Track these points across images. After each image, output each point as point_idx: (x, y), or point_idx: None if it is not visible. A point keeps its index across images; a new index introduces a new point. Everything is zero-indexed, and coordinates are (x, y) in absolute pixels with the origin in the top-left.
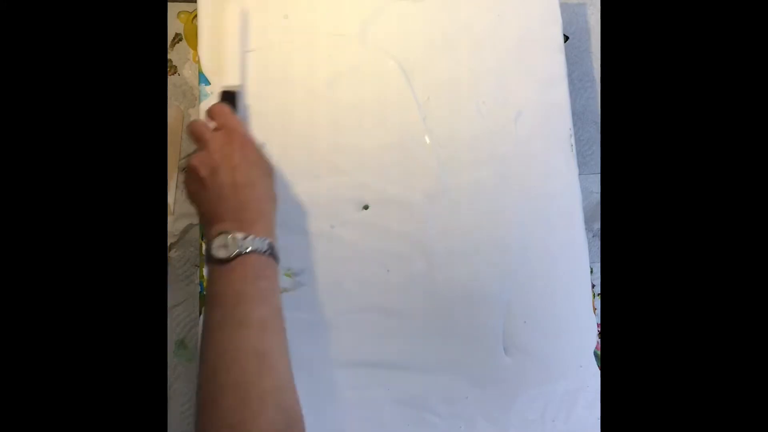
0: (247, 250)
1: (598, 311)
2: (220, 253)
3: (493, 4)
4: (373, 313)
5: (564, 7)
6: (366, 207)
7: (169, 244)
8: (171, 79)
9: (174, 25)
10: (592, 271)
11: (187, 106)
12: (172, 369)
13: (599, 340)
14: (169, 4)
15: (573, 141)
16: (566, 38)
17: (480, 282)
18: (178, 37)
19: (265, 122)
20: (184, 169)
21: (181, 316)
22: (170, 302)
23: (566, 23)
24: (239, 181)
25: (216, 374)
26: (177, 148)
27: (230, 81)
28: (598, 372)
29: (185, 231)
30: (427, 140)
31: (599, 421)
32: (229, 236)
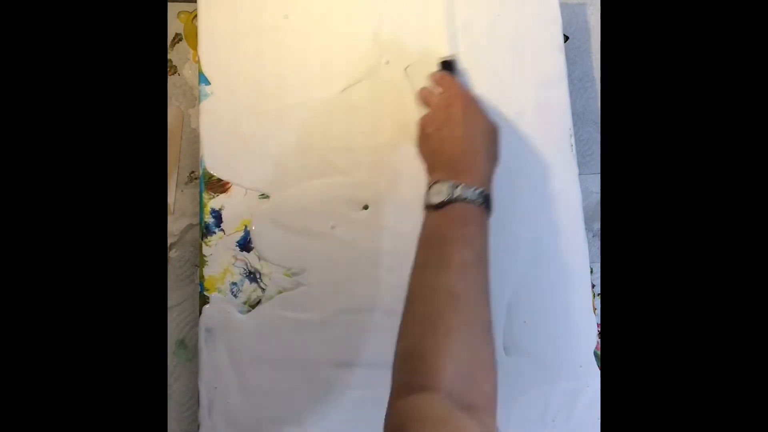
0: (457, 197)
1: (598, 311)
2: (434, 199)
3: (492, 4)
4: (373, 313)
5: (564, 7)
6: (366, 207)
7: (169, 244)
8: (171, 79)
9: (174, 25)
10: (592, 271)
11: (187, 106)
12: (172, 369)
13: (599, 340)
14: (169, 4)
15: (573, 141)
16: (566, 38)
17: None
18: (178, 37)
19: (263, 122)
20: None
21: (181, 316)
22: (170, 302)
23: (566, 23)
24: (458, 136)
25: (412, 307)
26: (177, 148)
27: (444, 52)
28: (598, 372)
29: (185, 231)
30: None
31: (599, 421)
32: (443, 185)
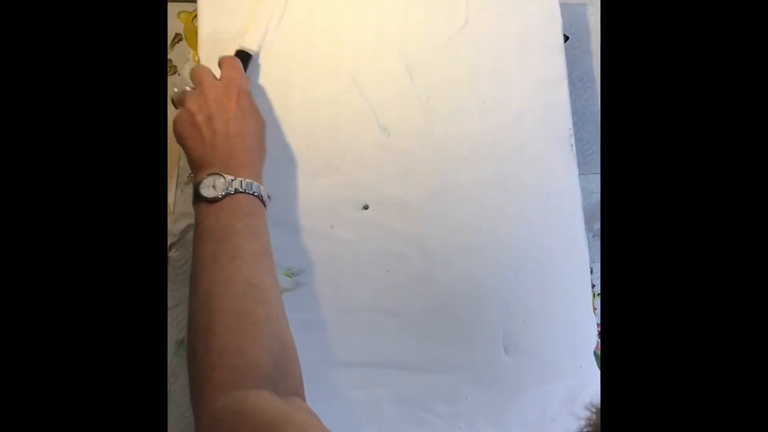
0: (236, 190)
1: (598, 311)
2: (209, 192)
3: (493, 4)
4: (373, 313)
5: (564, 7)
6: (366, 207)
7: (169, 244)
8: (171, 79)
9: (174, 25)
10: (592, 271)
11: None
12: (172, 369)
13: (599, 340)
14: (169, 4)
15: (573, 141)
16: (566, 38)
17: (480, 282)
18: (178, 37)
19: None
20: (173, 101)
21: (181, 316)
22: (170, 302)
23: (566, 23)
24: (232, 131)
25: (209, 303)
26: (177, 148)
27: (247, 44)
28: (598, 372)
29: (185, 231)
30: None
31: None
32: (218, 178)
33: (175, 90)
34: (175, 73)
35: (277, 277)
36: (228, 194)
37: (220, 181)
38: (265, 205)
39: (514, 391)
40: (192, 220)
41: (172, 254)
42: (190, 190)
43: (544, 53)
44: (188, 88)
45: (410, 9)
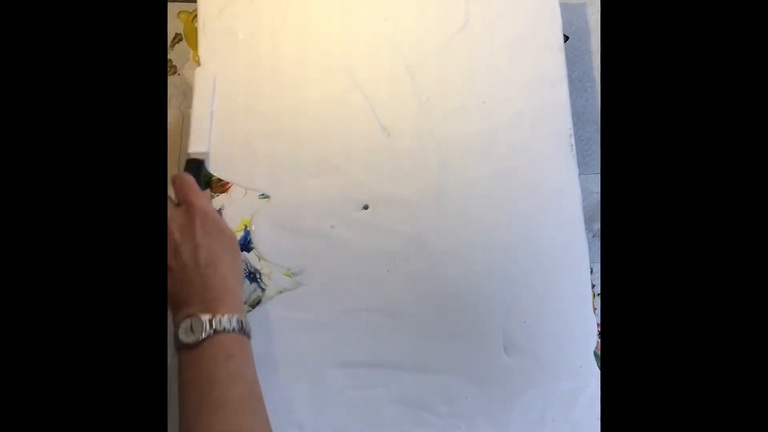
0: (214, 332)
1: (598, 311)
2: (188, 338)
3: (493, 4)
4: (373, 313)
5: (564, 7)
6: (366, 207)
7: None
8: (171, 79)
9: (174, 25)
10: (592, 271)
11: (187, 106)
12: (172, 369)
13: (599, 340)
14: (169, 4)
15: (573, 141)
16: (566, 38)
17: (480, 282)
18: (178, 37)
19: (263, 122)
20: None
21: None
22: None
23: (566, 23)
24: (201, 261)
25: None
26: (177, 148)
27: (196, 148)
28: (598, 372)
29: None
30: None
31: (599, 421)
32: (195, 320)
33: None
34: (175, 73)
35: (266, 414)
36: (208, 336)
37: (197, 324)
38: (248, 336)
39: (514, 391)
40: None
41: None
42: None
43: (544, 53)
44: None
45: (410, 9)
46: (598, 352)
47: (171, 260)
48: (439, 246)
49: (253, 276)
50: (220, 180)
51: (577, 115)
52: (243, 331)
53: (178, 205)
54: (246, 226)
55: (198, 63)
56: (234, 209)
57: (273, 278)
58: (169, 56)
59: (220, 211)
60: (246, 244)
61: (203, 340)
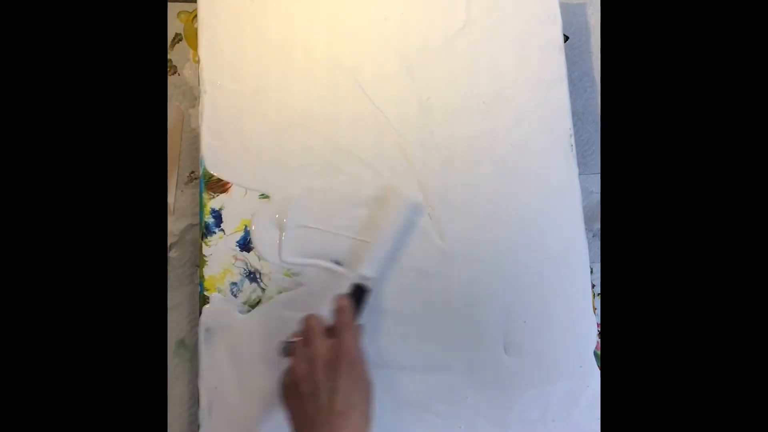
0: None
1: (598, 311)
2: None
3: (493, 4)
4: (373, 313)
5: (564, 7)
6: (338, 263)
7: (169, 244)
8: (171, 79)
9: (174, 25)
10: (592, 271)
11: (187, 106)
12: (172, 369)
13: (599, 340)
14: (169, 4)
15: (573, 141)
16: (566, 38)
17: (480, 282)
18: (178, 37)
19: (264, 122)
20: (282, 350)
21: (181, 317)
22: (170, 302)
23: (566, 23)
24: (336, 408)
25: None
26: (177, 148)
27: (367, 272)
28: (598, 372)
29: (185, 231)
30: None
31: (599, 421)
32: None
33: (286, 340)
34: (175, 73)
35: None
36: None
37: None
38: None
39: (514, 391)
40: (192, 220)
41: (172, 254)
42: (190, 190)
43: (544, 53)
44: (296, 338)
45: (410, 9)
46: (598, 352)
47: (308, 396)
48: (439, 246)
49: (253, 276)
50: (219, 180)
51: (577, 115)
52: None
53: (330, 334)
54: (246, 226)
55: (198, 63)
56: (234, 209)
57: (273, 278)
58: (169, 56)
59: (219, 211)
60: (246, 244)
61: None
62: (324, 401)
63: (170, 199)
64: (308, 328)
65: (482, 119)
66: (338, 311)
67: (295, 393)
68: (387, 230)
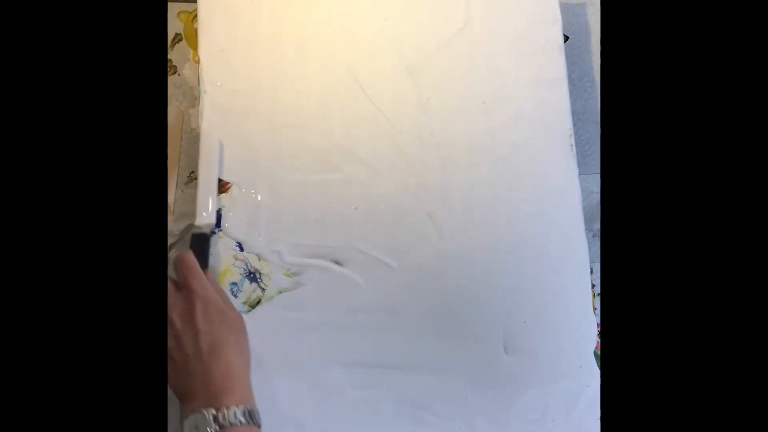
0: (221, 428)
1: (598, 311)
2: None
3: (492, 4)
4: (373, 313)
5: (564, 7)
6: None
7: (169, 244)
8: (171, 79)
9: (174, 25)
10: (592, 271)
11: (187, 106)
12: None
13: (599, 340)
14: (169, 4)
15: (573, 141)
16: (566, 38)
17: (480, 282)
18: (178, 37)
19: (263, 122)
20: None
21: None
22: None
23: (566, 23)
24: (204, 349)
25: None
26: (177, 148)
27: (202, 219)
28: (598, 372)
29: (185, 231)
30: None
31: (599, 421)
32: (199, 416)
33: None
34: (175, 73)
35: None
36: None
37: (202, 421)
38: (259, 425)
39: (514, 391)
40: (192, 220)
41: (172, 254)
42: (190, 190)
43: (544, 53)
44: None
45: (410, 9)
46: (598, 352)
47: (172, 350)
48: (438, 245)
49: (253, 276)
50: (220, 180)
51: (577, 115)
52: (252, 421)
53: (179, 289)
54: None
55: (198, 63)
56: (234, 209)
57: (273, 278)
58: (169, 56)
59: (219, 211)
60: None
61: None
62: (189, 347)
63: (170, 199)
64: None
65: (482, 119)
66: (176, 263)
67: (173, 354)
68: (206, 172)
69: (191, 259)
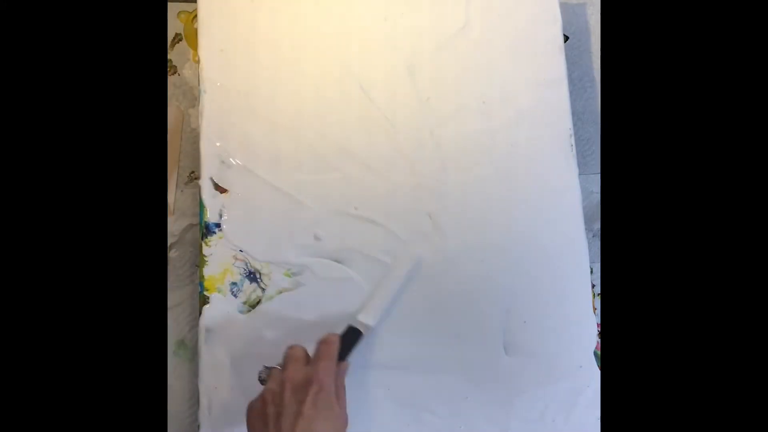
0: None
1: (598, 311)
2: None
3: (493, 4)
4: None
5: (564, 7)
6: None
7: (169, 244)
8: (171, 79)
9: (174, 25)
10: (592, 271)
11: (187, 106)
12: (172, 369)
13: (599, 340)
14: (169, 4)
15: (573, 141)
16: (566, 38)
17: (480, 282)
18: (178, 37)
19: (263, 122)
20: (259, 378)
21: (181, 316)
22: (170, 302)
23: (566, 23)
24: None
25: None
26: (177, 148)
27: (365, 319)
28: (598, 372)
29: (185, 231)
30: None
31: (599, 421)
32: None
33: (265, 366)
34: (175, 73)
35: None
36: None
37: None
38: None
39: (514, 391)
40: (192, 220)
41: (172, 254)
42: (190, 190)
43: (544, 53)
44: (278, 366)
45: (410, 9)
46: (598, 352)
47: (271, 421)
48: (438, 245)
49: (253, 276)
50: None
51: (577, 115)
52: None
53: (307, 363)
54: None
55: (198, 63)
56: (234, 209)
57: (273, 278)
58: (169, 56)
59: (217, 228)
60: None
61: None
62: (286, 425)
63: (170, 199)
64: (288, 356)
65: (482, 119)
66: (322, 342)
67: (260, 415)
68: (390, 282)
69: (335, 344)
